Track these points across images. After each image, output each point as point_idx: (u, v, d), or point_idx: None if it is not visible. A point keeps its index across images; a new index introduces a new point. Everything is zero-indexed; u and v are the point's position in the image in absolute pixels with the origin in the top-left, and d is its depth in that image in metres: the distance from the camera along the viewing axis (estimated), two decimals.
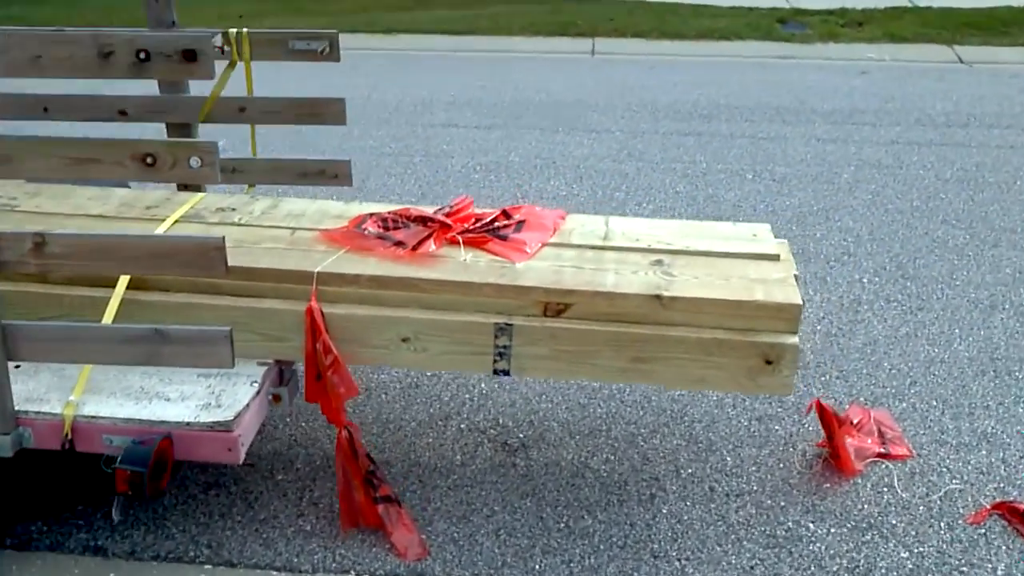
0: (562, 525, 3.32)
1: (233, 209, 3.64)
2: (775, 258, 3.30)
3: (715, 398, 4.04)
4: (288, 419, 3.88)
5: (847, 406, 3.98)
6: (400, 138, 7.68)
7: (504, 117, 8.24)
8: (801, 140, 7.63)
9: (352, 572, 3.13)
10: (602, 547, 3.23)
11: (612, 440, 3.80)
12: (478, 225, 3.44)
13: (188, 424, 2.90)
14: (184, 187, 4.02)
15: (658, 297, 3.03)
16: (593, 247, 3.38)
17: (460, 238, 3.34)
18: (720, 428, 3.87)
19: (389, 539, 3.22)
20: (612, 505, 3.43)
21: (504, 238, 3.36)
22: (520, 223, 3.48)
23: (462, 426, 3.89)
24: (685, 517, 3.37)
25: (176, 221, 3.47)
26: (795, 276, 3.19)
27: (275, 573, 3.12)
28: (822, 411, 3.57)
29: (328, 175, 4.14)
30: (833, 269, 5.37)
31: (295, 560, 3.17)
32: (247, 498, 3.43)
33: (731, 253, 3.32)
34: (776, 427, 3.87)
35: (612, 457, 3.69)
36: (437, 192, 6.46)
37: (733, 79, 9.50)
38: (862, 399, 4.09)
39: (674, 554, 3.20)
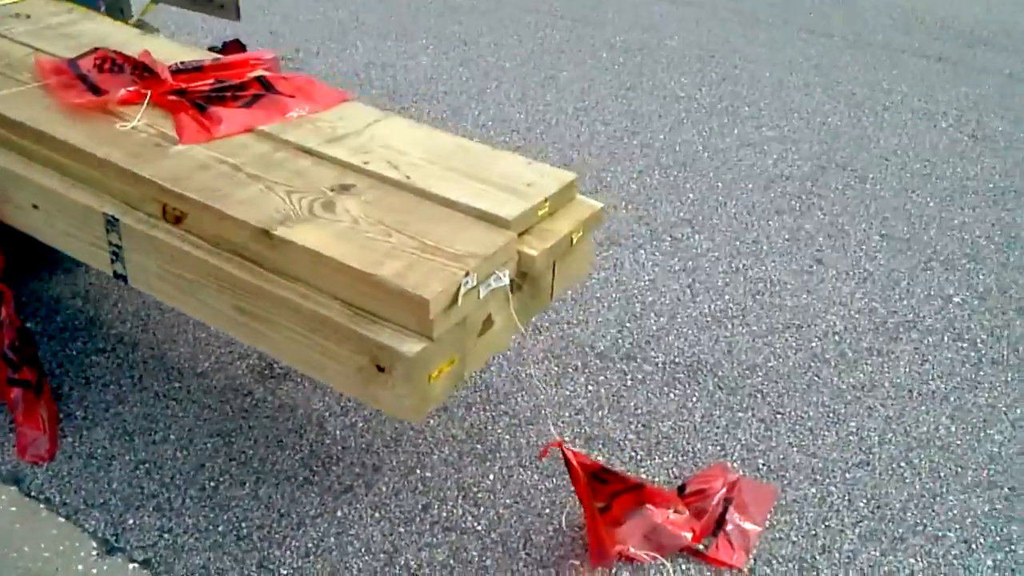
0: None
1: (28, 16, 3.15)
2: (504, 225, 2.20)
3: None
4: None
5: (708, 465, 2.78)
6: None
7: None
8: None
9: None
10: None
11: None
12: (207, 88, 2.66)
13: None
14: None
15: (267, 234, 2.13)
16: (300, 148, 2.48)
17: (156, 99, 2.59)
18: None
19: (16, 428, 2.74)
20: None
21: (203, 109, 2.56)
22: (258, 96, 2.65)
23: None
24: None
25: None
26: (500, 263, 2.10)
27: None
28: (567, 463, 2.43)
29: (215, 5, 3.54)
30: None
31: None
32: None
33: (455, 203, 2.27)
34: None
35: None
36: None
37: None
38: (739, 461, 2.84)
39: None
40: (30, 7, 3.28)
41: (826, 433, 2.94)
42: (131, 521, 2.53)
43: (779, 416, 3.00)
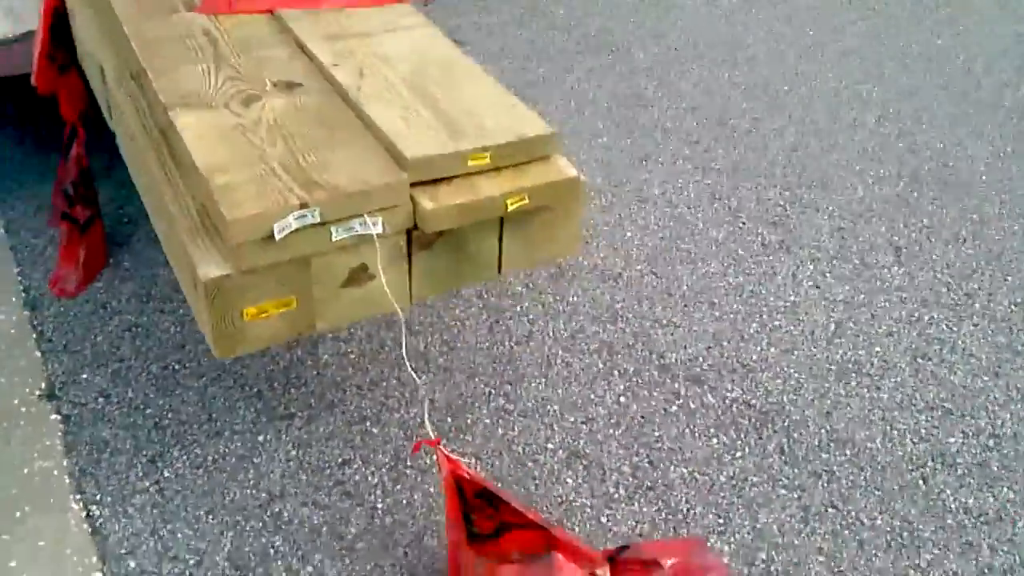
0: None
1: None
2: (404, 166, 1.78)
3: None
4: None
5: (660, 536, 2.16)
6: None
7: None
8: None
9: None
10: None
11: None
12: None
13: None
14: None
15: (165, 111, 1.92)
16: (295, 38, 2.21)
17: None
18: None
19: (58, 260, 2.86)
20: None
21: None
22: None
23: None
24: None
25: None
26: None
27: None
28: (440, 468, 1.95)
29: None
30: None
31: None
32: None
33: (376, 128, 1.87)
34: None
35: None
36: None
37: None
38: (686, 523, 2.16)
39: None
40: None
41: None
42: (84, 376, 2.53)
43: (855, 521, 2.25)
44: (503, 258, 1.98)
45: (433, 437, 1.91)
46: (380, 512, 2.21)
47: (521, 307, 2.84)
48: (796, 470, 2.35)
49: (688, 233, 3.19)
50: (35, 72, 2.60)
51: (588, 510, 2.23)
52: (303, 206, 1.67)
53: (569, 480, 2.31)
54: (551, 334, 2.75)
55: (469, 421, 2.46)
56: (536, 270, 2.97)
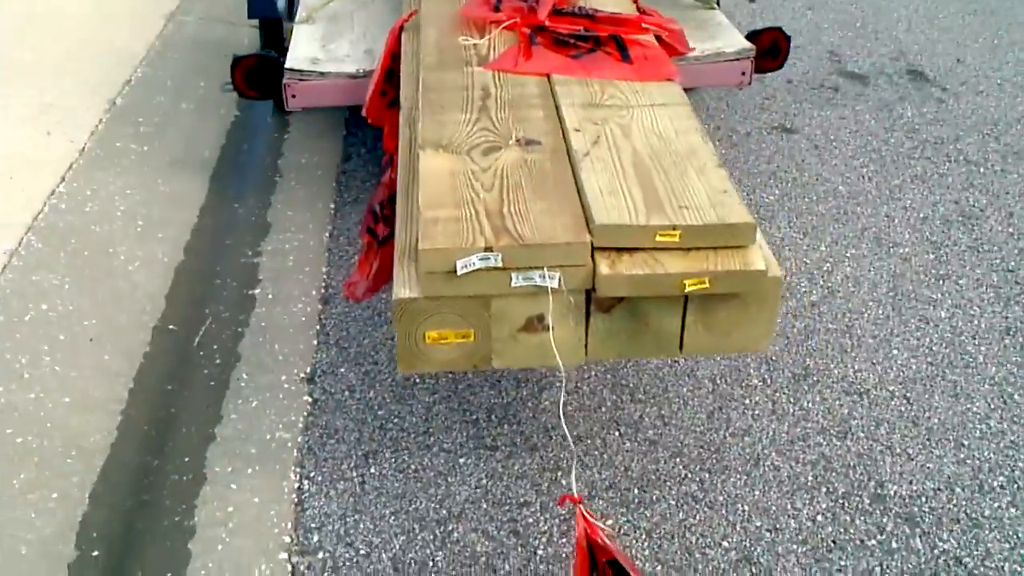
0: None
1: None
2: (590, 231, 1.87)
3: None
4: None
5: None
6: None
7: None
8: None
9: None
10: None
11: None
12: (566, 31, 2.69)
13: None
14: None
15: (417, 150, 2.19)
16: (556, 101, 2.39)
17: (516, 27, 2.72)
18: None
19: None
20: None
21: (532, 44, 2.60)
22: (593, 50, 2.62)
23: None
24: None
25: None
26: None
27: None
28: (586, 546, 1.95)
29: None
30: None
31: None
32: None
33: (583, 192, 1.99)
34: None
35: None
36: None
37: None
38: None
39: None
40: None
41: None
42: (342, 370, 2.87)
43: None
44: (685, 338, 2.00)
45: (577, 495, 1.97)
46: (538, 558, 2.30)
47: (751, 400, 2.78)
48: None
49: (962, 364, 2.93)
50: (366, 104, 3.01)
51: None
52: (488, 249, 1.83)
53: None
54: (770, 434, 2.66)
55: (655, 497, 2.46)
56: (779, 370, 2.89)
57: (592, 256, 1.87)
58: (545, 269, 1.86)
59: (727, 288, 1.89)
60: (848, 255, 3.45)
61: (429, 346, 1.94)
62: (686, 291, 1.86)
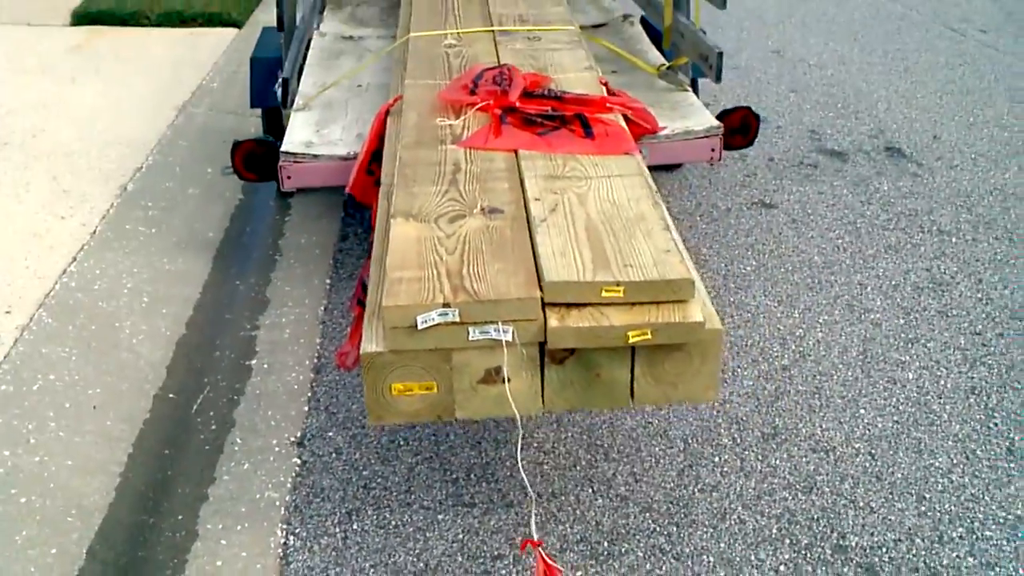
0: None
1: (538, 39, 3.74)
2: (540, 287, 2.03)
3: None
4: None
5: None
6: None
7: None
8: None
9: None
10: None
11: None
12: (534, 111, 2.90)
13: None
14: None
15: (389, 218, 2.37)
16: (520, 174, 2.58)
17: (488, 109, 2.93)
18: None
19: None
20: None
21: (502, 123, 2.82)
22: (557, 129, 2.82)
23: None
24: None
25: None
26: None
27: None
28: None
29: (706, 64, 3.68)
30: None
31: None
32: None
33: (538, 254, 2.16)
34: None
35: None
36: None
37: None
38: None
39: None
40: (559, 34, 3.83)
41: None
42: (330, 434, 3.02)
43: None
44: (635, 389, 2.14)
45: (536, 539, 2.09)
46: None
47: (720, 458, 2.90)
48: None
49: (927, 422, 3.04)
50: (351, 182, 3.21)
51: None
52: (446, 305, 2.00)
53: None
54: (737, 489, 2.77)
55: (623, 550, 2.57)
56: (749, 429, 3.01)
57: (543, 311, 2.03)
58: (500, 323, 2.02)
59: (668, 339, 2.04)
60: (820, 321, 3.59)
61: (395, 398, 2.10)
62: (630, 342, 2.01)
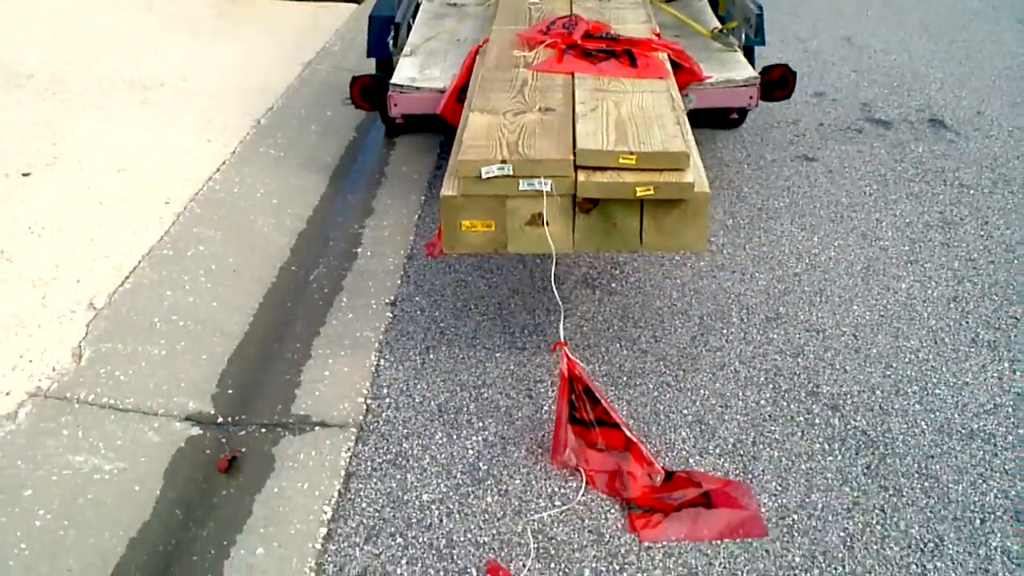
0: None
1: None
2: (574, 153, 2.76)
3: None
4: None
5: None
6: None
7: None
8: None
9: None
10: None
11: None
12: (592, 47, 3.62)
13: None
14: None
15: (464, 106, 3.12)
16: (572, 87, 3.30)
17: (556, 46, 3.66)
18: None
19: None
20: None
21: (564, 53, 3.54)
22: (608, 58, 3.54)
23: None
24: None
25: None
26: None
27: None
28: (567, 377, 2.77)
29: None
30: None
31: None
32: None
33: (578, 135, 2.88)
34: None
35: None
36: None
37: None
38: None
39: None
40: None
41: None
42: (416, 299, 3.79)
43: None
44: (644, 237, 2.84)
45: (562, 340, 2.81)
46: (543, 411, 3.11)
47: (727, 331, 3.56)
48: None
49: (908, 317, 3.65)
50: (442, 104, 3.96)
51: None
52: (503, 162, 2.73)
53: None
54: (737, 352, 3.43)
55: (637, 383, 3.26)
56: (756, 314, 3.66)
57: (575, 171, 2.75)
58: (542, 178, 2.74)
59: (666, 195, 2.73)
60: (835, 244, 4.21)
61: (464, 232, 2.84)
62: (637, 195, 2.72)
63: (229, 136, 5.11)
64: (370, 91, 4.43)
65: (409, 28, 5.00)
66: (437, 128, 4.40)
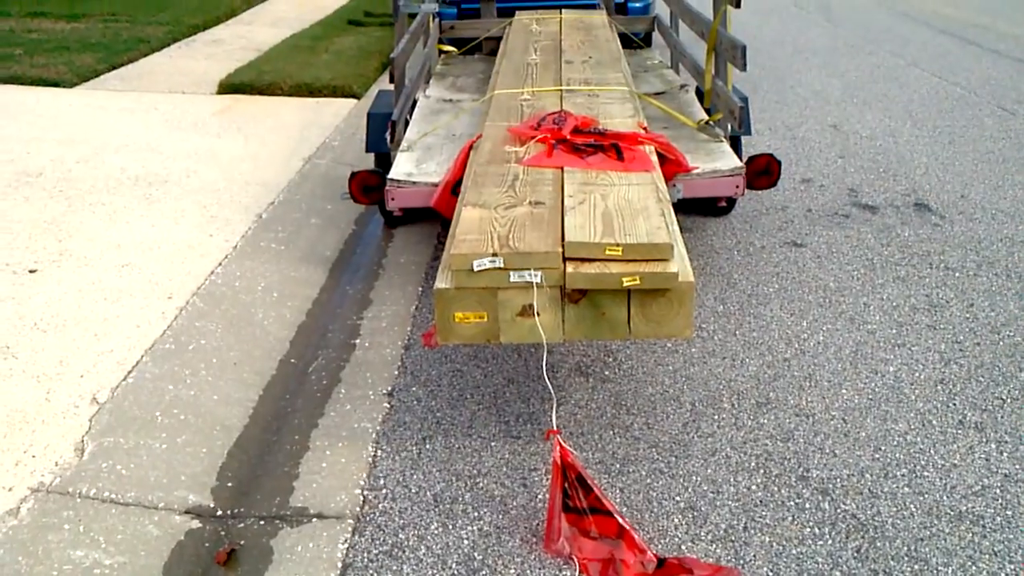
0: None
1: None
2: (563, 245, 2.86)
3: None
4: None
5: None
6: None
7: None
8: None
9: None
10: None
11: None
12: (580, 142, 3.77)
13: None
14: None
15: (456, 197, 3.24)
16: (560, 180, 3.43)
17: (545, 140, 3.81)
18: None
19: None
20: None
21: (554, 148, 3.68)
22: (594, 152, 3.67)
23: None
24: None
25: None
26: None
27: None
28: (560, 464, 2.83)
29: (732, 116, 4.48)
30: None
31: None
32: None
33: (565, 228, 2.99)
34: None
35: None
36: None
37: None
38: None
39: None
40: (613, 93, 4.72)
41: None
42: (413, 389, 3.86)
43: None
44: (632, 326, 2.93)
45: (555, 429, 2.87)
46: (537, 499, 3.16)
47: (719, 416, 3.61)
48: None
49: (896, 400, 3.70)
50: (435, 197, 4.09)
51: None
52: (494, 255, 2.84)
53: None
54: (728, 438, 3.48)
55: (631, 470, 3.31)
56: (746, 399, 3.72)
57: (564, 262, 2.85)
58: (532, 269, 2.84)
59: (652, 284, 2.83)
60: (824, 328, 4.29)
61: (457, 323, 2.93)
62: (624, 285, 2.81)
63: (231, 231, 5.25)
64: (368, 186, 4.58)
65: (407, 123, 5.18)
66: (437, 217, 4.55)
